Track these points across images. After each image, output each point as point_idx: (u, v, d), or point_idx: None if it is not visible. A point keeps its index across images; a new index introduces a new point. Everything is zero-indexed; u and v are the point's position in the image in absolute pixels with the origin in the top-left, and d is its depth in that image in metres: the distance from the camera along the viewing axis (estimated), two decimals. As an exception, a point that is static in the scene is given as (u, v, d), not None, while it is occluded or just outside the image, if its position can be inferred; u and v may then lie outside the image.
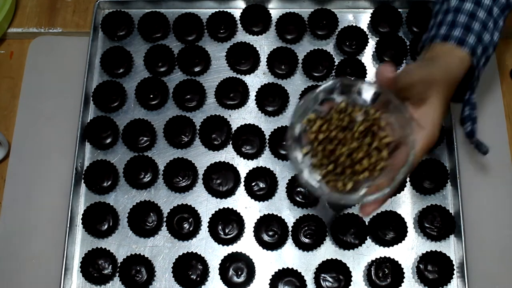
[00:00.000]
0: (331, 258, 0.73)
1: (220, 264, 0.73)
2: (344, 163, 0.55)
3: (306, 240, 0.74)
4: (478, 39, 0.62)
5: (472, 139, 0.67)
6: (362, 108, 0.57)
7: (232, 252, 0.74)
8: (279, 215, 0.76)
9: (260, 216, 0.75)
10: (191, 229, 0.75)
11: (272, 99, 0.81)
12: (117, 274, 0.74)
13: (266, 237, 0.74)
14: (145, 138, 0.79)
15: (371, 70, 0.83)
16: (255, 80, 0.83)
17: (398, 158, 0.56)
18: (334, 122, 0.56)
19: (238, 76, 0.83)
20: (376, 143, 0.56)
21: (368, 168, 0.56)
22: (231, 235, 0.75)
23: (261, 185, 0.77)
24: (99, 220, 0.76)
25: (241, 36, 0.86)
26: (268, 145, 0.79)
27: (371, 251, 0.75)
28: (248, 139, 0.79)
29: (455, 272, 0.73)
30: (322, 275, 0.73)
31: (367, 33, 0.84)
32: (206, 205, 0.77)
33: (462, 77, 0.61)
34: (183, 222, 0.75)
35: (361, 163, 0.55)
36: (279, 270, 0.73)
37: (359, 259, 0.74)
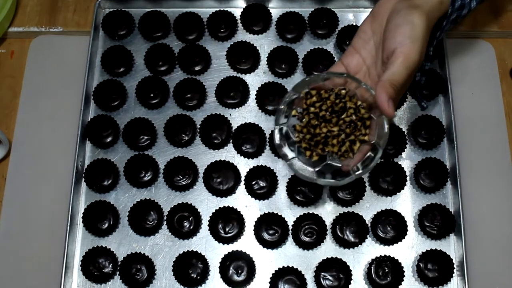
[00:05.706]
0: (331, 257, 0.73)
1: (220, 263, 0.73)
2: (320, 140, 0.62)
3: (306, 239, 0.74)
4: None
5: (416, 91, 0.68)
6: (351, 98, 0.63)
7: (233, 250, 0.74)
8: (279, 213, 0.76)
9: (261, 215, 0.75)
10: (191, 227, 0.75)
11: (272, 98, 0.81)
12: (118, 273, 0.74)
13: (266, 236, 0.75)
14: (146, 137, 0.79)
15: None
16: (255, 79, 0.83)
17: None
18: (328, 103, 0.62)
19: (239, 75, 0.83)
20: (351, 113, 0.62)
21: (338, 145, 0.62)
22: (232, 234, 0.75)
23: (262, 183, 0.77)
24: (99, 218, 0.76)
25: (242, 35, 0.86)
26: (268, 144, 0.79)
27: (371, 249, 0.75)
28: (248, 138, 0.79)
29: (455, 270, 0.73)
30: (322, 273, 0.73)
31: (367, 32, 0.84)
32: (206, 203, 0.77)
33: (435, 20, 0.62)
34: (183, 221, 0.75)
35: (333, 142, 0.62)
36: (279, 268, 0.73)
37: (359, 257, 0.74)
